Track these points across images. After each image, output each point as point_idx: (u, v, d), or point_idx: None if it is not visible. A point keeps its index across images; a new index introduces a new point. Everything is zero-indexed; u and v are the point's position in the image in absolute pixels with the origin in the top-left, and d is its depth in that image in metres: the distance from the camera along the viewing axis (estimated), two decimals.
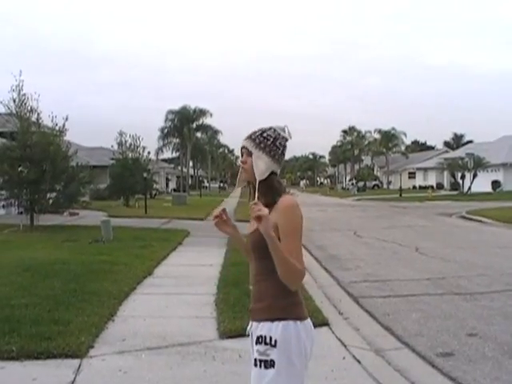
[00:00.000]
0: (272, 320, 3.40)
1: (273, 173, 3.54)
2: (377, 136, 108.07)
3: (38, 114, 24.99)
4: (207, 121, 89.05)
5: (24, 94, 24.58)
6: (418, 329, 9.11)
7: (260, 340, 3.42)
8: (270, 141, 3.54)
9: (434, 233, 24.90)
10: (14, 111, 24.75)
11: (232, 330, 8.25)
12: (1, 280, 11.41)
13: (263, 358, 3.38)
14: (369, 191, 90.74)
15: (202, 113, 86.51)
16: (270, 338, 3.38)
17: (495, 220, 29.94)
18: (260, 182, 3.52)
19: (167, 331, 8.30)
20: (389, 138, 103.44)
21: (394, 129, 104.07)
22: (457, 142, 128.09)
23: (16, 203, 25.35)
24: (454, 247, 19.40)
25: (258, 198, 3.45)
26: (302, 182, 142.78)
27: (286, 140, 3.60)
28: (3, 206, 25.41)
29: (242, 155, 3.66)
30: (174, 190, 79.38)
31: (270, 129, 3.59)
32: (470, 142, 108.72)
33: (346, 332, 8.69)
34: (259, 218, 3.19)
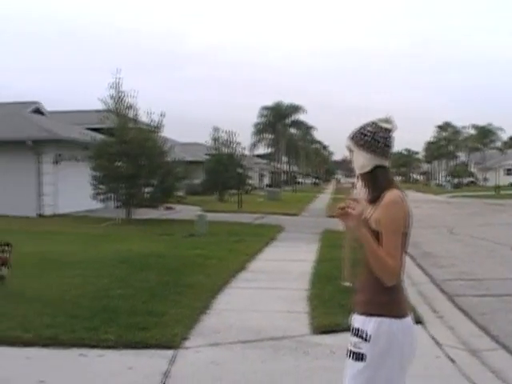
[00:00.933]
0: (368, 314, 3.41)
1: (378, 167, 3.51)
2: (472, 132, 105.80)
3: (136, 111, 25.56)
4: (301, 117, 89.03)
5: (122, 91, 25.18)
6: None
7: (355, 332, 3.44)
8: (368, 136, 3.51)
9: None
10: (112, 108, 25.34)
11: (325, 325, 8.24)
12: (99, 272, 11.72)
13: (355, 350, 3.40)
14: (464, 188, 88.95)
15: (296, 109, 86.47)
16: (364, 332, 3.38)
17: None
18: (363, 176, 3.56)
19: (260, 325, 8.34)
20: (485, 134, 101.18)
21: (490, 124, 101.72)
22: None
23: (114, 197, 25.94)
24: None
25: (366, 192, 3.54)
26: (397, 178, 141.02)
27: (389, 131, 3.54)
28: (102, 200, 26.01)
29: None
30: (268, 186, 79.59)
31: (371, 124, 3.56)
32: None
33: (440, 331, 8.53)
34: (345, 215, 3.26)
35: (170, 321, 8.11)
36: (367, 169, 3.51)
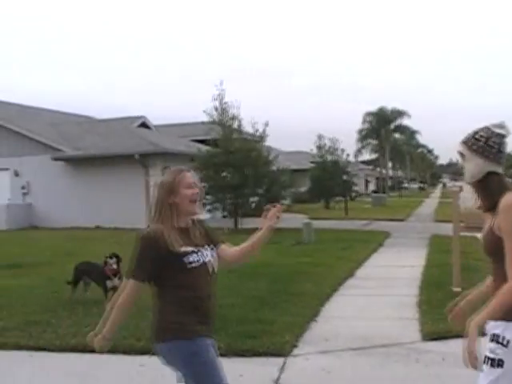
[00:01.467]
0: (508, 320, 3.29)
1: (492, 173, 3.44)
2: None
3: (239, 121, 25.90)
4: (405, 122, 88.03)
5: (226, 103, 25.57)
6: None
7: (493, 338, 3.34)
8: (481, 141, 3.45)
9: None
10: (217, 119, 25.77)
11: (435, 332, 8.13)
12: None
13: (492, 356, 3.31)
14: None
15: (399, 114, 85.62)
16: (503, 338, 3.28)
17: None
18: (475, 183, 3.50)
19: (369, 332, 8.31)
20: None
21: None
22: None
23: (220, 207, 26.28)
24: None
25: (479, 202, 3.51)
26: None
27: (503, 136, 3.46)
28: (209, 210, 26.40)
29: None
30: (374, 192, 78.95)
31: (483, 129, 3.50)
32: None
33: None
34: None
35: (279, 329, 8.19)
36: (480, 176, 3.45)
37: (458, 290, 10.74)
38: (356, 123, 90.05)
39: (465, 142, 3.53)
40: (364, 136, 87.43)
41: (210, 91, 37.48)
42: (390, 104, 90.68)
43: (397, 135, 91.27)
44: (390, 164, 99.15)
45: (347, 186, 42.31)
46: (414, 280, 12.26)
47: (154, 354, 7.32)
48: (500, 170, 3.46)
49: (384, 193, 74.02)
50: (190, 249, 3.83)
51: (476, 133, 3.50)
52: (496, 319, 3.34)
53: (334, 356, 7.30)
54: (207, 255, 3.94)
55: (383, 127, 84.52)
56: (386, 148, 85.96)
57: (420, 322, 8.81)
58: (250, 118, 26.45)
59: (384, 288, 11.62)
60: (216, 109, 25.64)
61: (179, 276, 3.81)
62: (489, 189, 3.44)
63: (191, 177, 3.97)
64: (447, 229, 13.96)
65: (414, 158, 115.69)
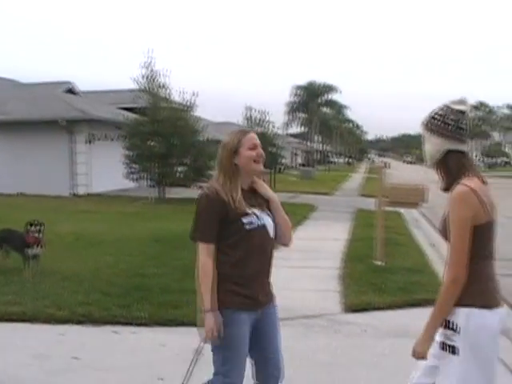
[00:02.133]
0: (458, 305, 3.29)
1: (451, 151, 3.38)
2: (507, 111, 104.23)
3: (168, 90, 25.66)
4: (334, 97, 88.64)
5: (154, 71, 25.28)
6: None
7: (446, 324, 3.34)
8: (438, 120, 3.40)
9: None
10: (145, 87, 25.46)
11: (356, 304, 8.29)
12: (133, 250, 11.85)
13: (449, 342, 3.32)
14: (498, 168, 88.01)
15: (329, 88, 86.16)
16: (455, 324, 3.29)
17: None
18: (436, 164, 3.46)
19: (292, 304, 8.36)
20: None
21: None
22: None
23: (147, 176, 26.08)
24: None
25: (441, 179, 3.48)
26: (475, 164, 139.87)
27: (461, 112, 3.39)
28: (135, 179, 26.17)
29: None
30: (301, 165, 79.44)
31: (441, 107, 3.44)
32: None
33: None
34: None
35: None
36: (438, 155, 3.40)
37: (380, 263, 10.94)
38: (286, 96, 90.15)
39: (423, 123, 3.49)
40: (293, 109, 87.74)
41: (140, 59, 36.82)
42: (321, 78, 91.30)
43: (326, 109, 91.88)
44: (318, 138, 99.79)
45: (274, 158, 42.37)
46: (337, 253, 12.42)
47: (74, 323, 7.32)
48: (462, 147, 3.40)
49: (312, 166, 74.54)
50: (250, 210, 3.77)
51: (434, 112, 3.46)
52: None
53: None
54: (267, 219, 3.88)
55: (312, 101, 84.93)
56: (315, 122, 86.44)
57: (342, 295, 8.94)
58: (179, 88, 26.24)
59: (307, 260, 11.72)
60: (144, 77, 25.32)
61: (235, 237, 3.75)
62: (448, 168, 3.40)
63: (255, 138, 3.89)
64: (371, 203, 14.16)
65: (342, 132, 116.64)
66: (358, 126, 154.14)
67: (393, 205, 11.90)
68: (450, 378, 3.32)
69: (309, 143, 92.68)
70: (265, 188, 3.96)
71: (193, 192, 28.76)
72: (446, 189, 3.42)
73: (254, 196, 3.92)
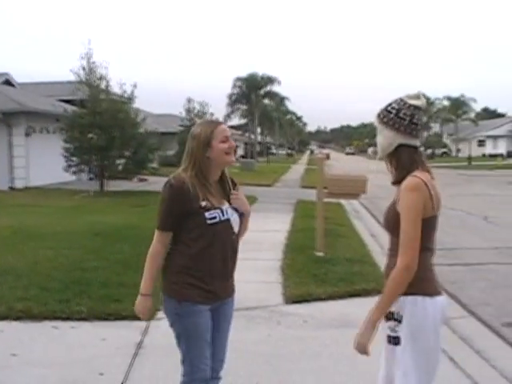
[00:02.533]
0: (401, 295, 3.31)
1: (403, 145, 3.39)
2: (446, 103, 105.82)
3: (107, 82, 25.41)
4: (275, 88, 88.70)
5: (93, 62, 24.99)
6: (484, 298, 9.02)
7: (390, 316, 3.37)
8: (392, 113, 3.40)
9: (504, 202, 24.48)
10: (84, 79, 25.16)
11: (297, 295, 8.32)
12: (72, 244, 11.70)
13: (393, 334, 3.36)
14: (437, 159, 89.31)
15: (270, 80, 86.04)
16: (398, 314, 3.33)
17: None
18: (388, 157, 3.47)
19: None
20: (458, 105, 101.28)
21: (463, 95, 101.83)
22: None
23: (86, 169, 25.82)
24: None
25: (392, 172, 3.48)
26: (370, 150, 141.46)
27: (416, 107, 3.39)
28: (74, 172, 25.87)
29: None
30: (242, 157, 79.49)
31: (397, 100, 3.45)
32: None
33: None
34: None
35: None
36: (390, 148, 3.41)
37: (321, 254, 11.01)
38: (227, 88, 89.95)
39: (377, 115, 3.49)
40: (234, 101, 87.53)
41: (79, 50, 36.35)
42: (262, 70, 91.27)
43: (266, 101, 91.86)
44: (259, 129, 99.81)
45: None
46: (278, 244, 12.45)
47: (13, 319, 7.19)
48: (414, 142, 3.41)
49: (252, 158, 74.64)
50: (216, 204, 3.76)
51: (389, 105, 3.46)
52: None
53: None
54: (232, 214, 3.86)
55: (253, 93, 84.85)
56: (256, 113, 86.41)
57: (283, 286, 8.97)
58: (118, 79, 26.00)
59: (248, 252, 11.68)
60: (83, 68, 25.00)
61: (196, 231, 3.73)
62: (399, 162, 3.41)
63: (227, 130, 3.85)
64: (312, 195, 14.23)
65: (283, 124, 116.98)
66: (298, 118, 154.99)
67: (333, 196, 11.97)
68: (396, 369, 3.36)
69: (250, 135, 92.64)
70: (242, 201, 3.94)
71: (133, 185, 28.64)
72: (397, 182, 3.43)
73: (222, 189, 3.91)
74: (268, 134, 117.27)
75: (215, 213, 3.72)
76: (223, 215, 3.77)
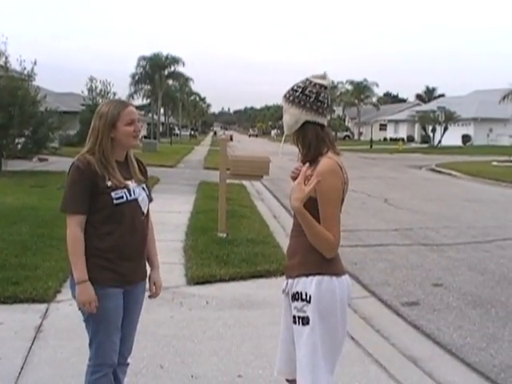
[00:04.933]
0: (307, 275, 3.36)
1: (309, 122, 3.41)
2: (349, 87, 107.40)
3: (6, 58, 24.65)
4: (179, 69, 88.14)
5: None
6: (384, 278, 9.24)
7: (296, 296, 3.39)
8: (298, 92, 3.41)
9: (404, 185, 25.08)
10: None
11: (199, 276, 8.32)
12: None
13: (300, 314, 3.37)
14: (339, 142, 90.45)
15: (175, 60, 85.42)
16: (306, 294, 3.34)
17: (464, 174, 30.27)
18: (294, 134, 3.47)
19: None
20: (361, 89, 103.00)
21: (366, 80, 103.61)
22: (429, 95, 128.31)
23: None
24: (422, 199, 19.60)
25: (301, 154, 3.51)
26: (273, 132, 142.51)
27: (322, 86, 3.42)
28: None
29: None
30: (145, 137, 78.72)
31: (303, 80, 3.47)
32: (442, 95, 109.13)
33: None
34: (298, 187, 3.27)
35: (42, 274, 7.94)
36: (297, 126, 3.42)
37: (223, 235, 11.03)
38: (131, 67, 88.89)
39: (284, 95, 3.49)
40: (137, 81, 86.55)
41: None
42: (167, 50, 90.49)
43: (170, 81, 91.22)
44: (162, 110, 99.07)
45: None
46: (180, 226, 12.42)
47: None
48: (320, 120, 3.42)
49: (155, 139, 74.07)
50: (122, 184, 3.68)
51: (295, 84, 3.47)
52: (293, 277, 3.42)
53: None
54: (140, 194, 3.79)
55: (157, 73, 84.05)
56: (159, 94, 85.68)
57: (185, 267, 8.96)
58: (17, 56, 25.23)
59: None
60: None
61: (103, 212, 3.64)
62: (306, 139, 3.42)
63: (134, 112, 3.78)
64: (215, 176, 14.21)
65: (187, 105, 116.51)
66: (202, 99, 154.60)
67: (235, 177, 12.00)
68: (303, 348, 3.38)
69: (153, 115, 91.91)
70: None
71: (33, 164, 27.96)
72: (306, 161, 3.45)
73: (128, 168, 3.84)
74: (171, 115, 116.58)
75: (122, 192, 3.68)
76: (130, 195, 3.73)
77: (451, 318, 7.38)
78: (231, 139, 67.24)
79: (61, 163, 28.67)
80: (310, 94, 3.39)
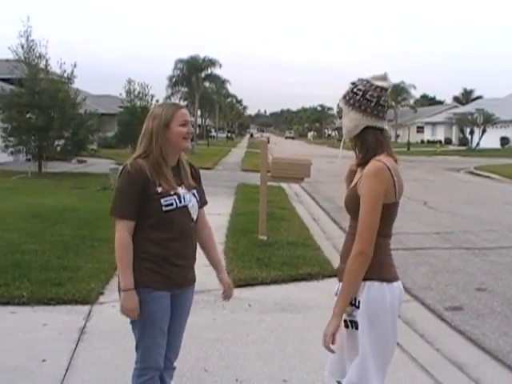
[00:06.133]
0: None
1: (369, 127, 3.33)
2: None
3: (47, 61, 24.90)
4: (216, 71, 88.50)
5: (32, 40, 24.41)
6: (426, 282, 9.12)
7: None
8: (359, 95, 3.32)
9: (443, 187, 24.83)
10: (23, 57, 24.59)
11: (241, 279, 8.27)
12: (10, 226, 11.43)
13: (350, 318, 3.32)
14: None
15: (212, 62, 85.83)
16: (355, 299, 3.29)
17: (504, 176, 29.84)
18: (354, 140, 3.40)
19: None
20: (398, 91, 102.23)
21: (403, 82, 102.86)
22: (466, 97, 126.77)
23: (24, 150, 25.33)
24: (462, 202, 19.36)
25: (356, 155, 3.43)
26: (310, 134, 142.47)
27: (382, 89, 3.33)
28: (11, 153, 25.34)
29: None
30: None
31: (363, 81, 3.38)
32: (480, 97, 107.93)
33: None
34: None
35: (85, 276, 7.98)
36: (357, 131, 3.35)
37: (264, 238, 10.99)
38: (168, 70, 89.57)
39: (343, 97, 3.42)
40: (174, 83, 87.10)
41: (17, 27, 35.56)
42: (204, 53, 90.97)
43: (207, 84, 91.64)
44: (199, 112, 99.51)
45: None
46: (220, 228, 12.36)
47: None
48: (380, 124, 3.35)
49: (192, 141, 74.30)
50: (173, 191, 3.67)
51: (354, 86, 3.39)
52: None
53: None
54: (190, 200, 3.78)
55: (194, 75, 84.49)
56: (196, 96, 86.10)
57: (226, 270, 8.88)
58: (58, 58, 25.43)
59: None
60: (22, 46, 24.41)
61: (153, 218, 3.64)
62: (365, 144, 3.35)
63: (187, 114, 3.77)
64: (253, 178, 14.21)
65: (223, 107, 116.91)
66: (238, 101, 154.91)
67: (276, 179, 11.94)
68: (353, 352, 3.34)
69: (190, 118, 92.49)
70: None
71: (72, 166, 28.21)
72: (361, 165, 3.38)
73: (179, 173, 3.82)
74: (208, 117, 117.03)
75: (171, 199, 3.66)
76: (180, 202, 3.70)
77: (496, 324, 7.25)
78: (268, 141, 67.38)
79: (99, 165, 28.96)
80: (371, 99, 3.31)
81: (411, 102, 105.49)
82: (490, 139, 66.11)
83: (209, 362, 5.56)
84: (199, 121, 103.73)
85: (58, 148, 25.36)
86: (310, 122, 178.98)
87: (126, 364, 5.33)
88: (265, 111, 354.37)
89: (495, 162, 40.96)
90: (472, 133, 67.47)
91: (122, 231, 3.62)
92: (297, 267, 9.02)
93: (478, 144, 65.52)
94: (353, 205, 3.32)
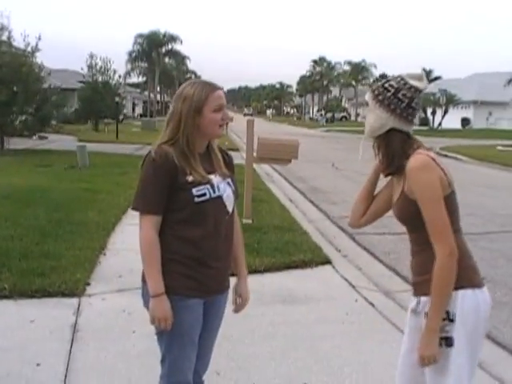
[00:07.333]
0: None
1: (395, 130, 2.94)
2: (346, 68, 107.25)
3: (9, 33, 24.05)
4: (177, 47, 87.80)
5: None
6: None
7: None
8: (390, 92, 2.93)
9: None
10: None
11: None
12: None
13: (443, 335, 2.86)
14: (337, 123, 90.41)
15: (172, 38, 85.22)
16: (447, 312, 2.85)
17: (471, 158, 29.87)
18: (377, 140, 3.02)
19: None
20: (358, 70, 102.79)
21: (364, 61, 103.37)
22: (426, 76, 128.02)
23: None
24: None
25: (379, 159, 3.05)
26: (269, 111, 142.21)
27: (417, 90, 2.94)
28: None
29: None
30: (141, 116, 78.38)
31: (397, 78, 2.99)
32: (439, 77, 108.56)
33: (349, 271, 8.32)
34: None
35: (68, 265, 7.44)
36: (381, 131, 2.96)
37: (249, 221, 10.55)
38: (128, 45, 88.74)
39: (372, 91, 3.02)
40: (134, 58, 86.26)
41: None
42: (164, 28, 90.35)
43: (167, 59, 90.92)
44: (158, 88, 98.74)
45: (118, 108, 41.29)
46: None
47: None
48: (407, 128, 2.97)
49: (152, 116, 73.67)
50: (205, 179, 3.13)
51: (387, 81, 3.00)
52: (428, 294, 2.91)
53: (131, 295, 6.54)
54: (225, 190, 3.24)
55: (154, 50, 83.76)
56: (156, 72, 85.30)
57: None
58: (21, 30, 24.60)
59: None
60: None
61: (184, 211, 3.11)
62: (390, 148, 2.97)
63: (223, 97, 3.25)
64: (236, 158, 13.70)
65: (183, 83, 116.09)
66: (197, 77, 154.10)
67: (262, 161, 11.53)
68: (445, 374, 2.90)
69: (149, 93, 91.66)
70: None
71: (34, 143, 27.45)
72: (388, 174, 3.06)
73: (211, 160, 3.28)
74: (167, 93, 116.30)
75: (204, 188, 3.11)
76: (214, 191, 3.16)
77: (505, 316, 6.91)
78: (231, 120, 67.17)
79: (61, 141, 28.28)
80: (404, 99, 2.93)
81: (371, 80, 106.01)
82: (451, 120, 66.82)
83: (219, 364, 5.02)
84: (158, 97, 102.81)
85: (21, 124, 24.63)
86: (268, 100, 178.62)
87: (129, 368, 4.89)
88: (223, 87, 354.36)
89: (458, 143, 41.33)
90: (434, 113, 67.90)
91: (148, 228, 3.09)
92: (289, 254, 8.61)
93: (440, 124, 65.96)
94: (409, 214, 2.94)
